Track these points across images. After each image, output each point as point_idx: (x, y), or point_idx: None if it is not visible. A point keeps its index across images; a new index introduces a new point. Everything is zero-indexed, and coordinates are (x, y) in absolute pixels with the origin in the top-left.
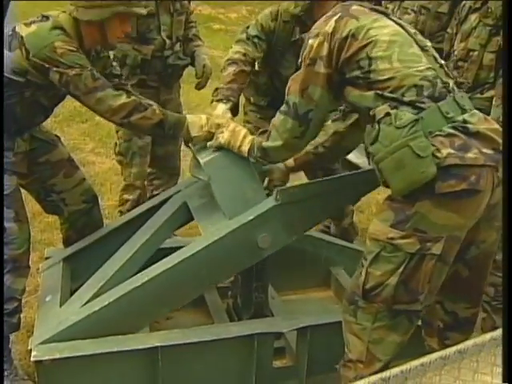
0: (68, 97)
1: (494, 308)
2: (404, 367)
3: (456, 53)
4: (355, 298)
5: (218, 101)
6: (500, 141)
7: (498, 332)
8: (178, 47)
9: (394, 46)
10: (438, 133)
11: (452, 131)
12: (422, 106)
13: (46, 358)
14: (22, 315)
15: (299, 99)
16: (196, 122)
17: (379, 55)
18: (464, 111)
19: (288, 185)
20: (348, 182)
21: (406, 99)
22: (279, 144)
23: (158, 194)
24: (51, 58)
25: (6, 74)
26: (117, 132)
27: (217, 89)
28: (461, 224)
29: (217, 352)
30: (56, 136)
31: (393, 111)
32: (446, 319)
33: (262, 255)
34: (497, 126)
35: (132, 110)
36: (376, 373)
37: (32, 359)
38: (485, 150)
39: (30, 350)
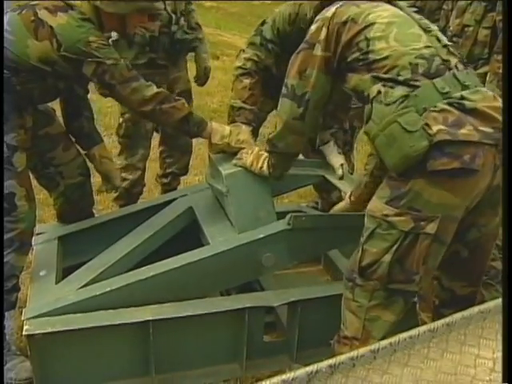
0: None
1: (484, 283)
2: (393, 339)
3: (451, 28)
4: (353, 275)
5: (242, 123)
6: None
7: (486, 305)
8: (182, 21)
9: (393, 26)
10: (432, 109)
11: (446, 107)
12: (417, 83)
13: (38, 331)
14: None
15: (297, 81)
16: (219, 130)
17: (377, 35)
18: (465, 87)
19: None
20: (359, 221)
21: (400, 78)
22: (281, 127)
23: (172, 172)
24: (86, 51)
25: (31, 62)
26: (122, 114)
27: (240, 108)
28: (456, 204)
29: (208, 326)
30: (52, 109)
31: (383, 89)
32: (442, 296)
33: (263, 273)
34: (500, 104)
35: (163, 98)
36: None
37: (24, 333)
38: (482, 128)
39: (22, 325)
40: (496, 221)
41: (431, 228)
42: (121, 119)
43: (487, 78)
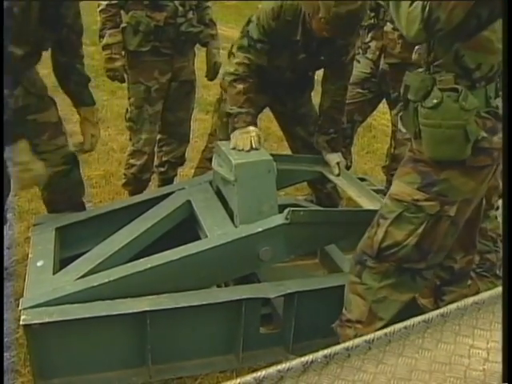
0: None
1: (479, 275)
2: (387, 330)
3: None
4: (364, 258)
5: (241, 127)
6: None
7: (480, 296)
8: (191, 15)
9: None
10: (476, 113)
11: (486, 115)
12: (477, 85)
13: (35, 321)
14: (10, 283)
15: None
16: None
17: None
18: (497, 95)
19: None
20: (356, 216)
21: (475, 75)
22: None
23: (168, 161)
24: None
25: None
26: (129, 99)
27: (237, 114)
28: (475, 189)
29: (205, 317)
30: (51, 98)
31: (462, 90)
32: (442, 275)
33: (260, 267)
34: None
35: None
36: (376, 331)
37: (21, 323)
38: None
39: (18, 317)
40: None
41: (452, 210)
42: (128, 103)
43: None
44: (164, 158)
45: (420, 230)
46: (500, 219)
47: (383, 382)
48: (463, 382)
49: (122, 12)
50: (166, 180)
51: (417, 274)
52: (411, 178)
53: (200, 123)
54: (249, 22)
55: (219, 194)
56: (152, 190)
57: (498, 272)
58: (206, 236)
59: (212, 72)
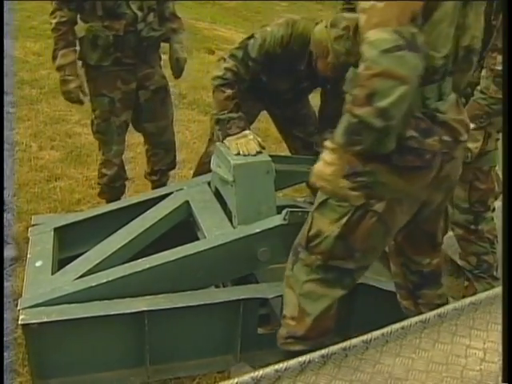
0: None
1: (476, 276)
2: (385, 330)
3: None
4: (298, 249)
5: (235, 133)
6: (462, 131)
7: (477, 297)
8: (151, 17)
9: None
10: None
11: (421, 116)
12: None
13: (34, 321)
14: (8, 283)
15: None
16: None
17: None
18: (441, 97)
19: None
20: None
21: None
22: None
23: (159, 170)
24: None
25: None
26: (93, 111)
27: (229, 120)
28: (406, 191)
29: (202, 317)
30: None
31: None
32: (413, 279)
33: (258, 267)
34: (462, 117)
35: None
36: (308, 330)
37: (19, 322)
38: (444, 138)
39: (17, 317)
40: (441, 196)
41: (379, 207)
42: (92, 115)
43: (482, 73)
44: (155, 168)
45: (343, 221)
46: (496, 220)
47: (380, 382)
48: (460, 381)
49: (75, 28)
50: (160, 186)
51: (345, 274)
52: None
53: (199, 124)
54: (251, 37)
55: (218, 195)
56: (150, 190)
57: (495, 273)
58: (205, 236)
59: (176, 69)
